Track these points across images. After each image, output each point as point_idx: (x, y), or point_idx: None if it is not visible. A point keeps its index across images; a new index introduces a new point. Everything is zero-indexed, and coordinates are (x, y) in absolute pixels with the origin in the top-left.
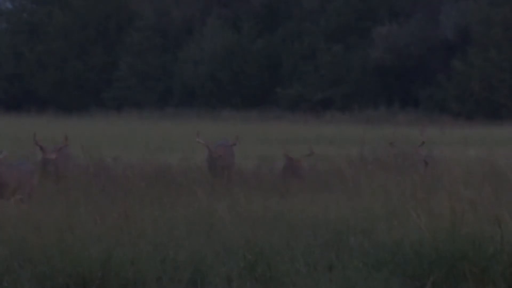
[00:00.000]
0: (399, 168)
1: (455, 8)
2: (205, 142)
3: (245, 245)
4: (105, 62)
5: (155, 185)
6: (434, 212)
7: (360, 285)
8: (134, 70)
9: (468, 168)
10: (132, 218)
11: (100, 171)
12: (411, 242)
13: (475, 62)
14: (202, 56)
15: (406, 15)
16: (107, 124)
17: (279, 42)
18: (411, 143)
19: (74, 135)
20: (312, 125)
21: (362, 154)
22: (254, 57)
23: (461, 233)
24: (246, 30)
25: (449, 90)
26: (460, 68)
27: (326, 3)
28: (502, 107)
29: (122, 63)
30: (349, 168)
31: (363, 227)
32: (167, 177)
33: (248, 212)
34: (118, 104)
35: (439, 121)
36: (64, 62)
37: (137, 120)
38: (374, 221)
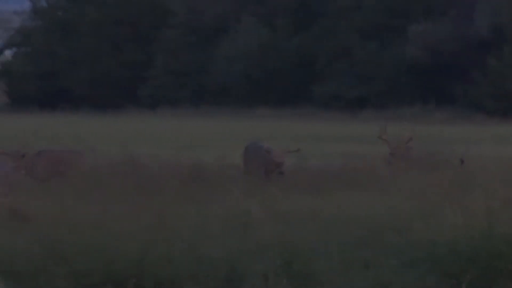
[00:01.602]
0: (434, 166)
1: (490, 6)
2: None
3: (281, 243)
4: (139, 59)
5: (190, 183)
6: (470, 211)
7: (395, 283)
8: (168, 68)
9: (504, 166)
10: (167, 216)
11: (135, 169)
12: (447, 241)
13: (510, 60)
14: (237, 54)
15: (441, 13)
16: (142, 122)
17: (313, 40)
18: (445, 142)
19: (109, 133)
20: (347, 123)
21: (397, 153)
22: (288, 55)
23: (497, 231)
24: (280, 28)
25: (484, 88)
26: (495, 65)
27: (361, 1)
28: None
29: (157, 60)
30: (384, 167)
31: (398, 225)
32: (202, 175)
33: (283, 210)
34: (152, 102)
35: (475, 119)
36: (98, 60)
37: (171, 118)
38: (409, 219)
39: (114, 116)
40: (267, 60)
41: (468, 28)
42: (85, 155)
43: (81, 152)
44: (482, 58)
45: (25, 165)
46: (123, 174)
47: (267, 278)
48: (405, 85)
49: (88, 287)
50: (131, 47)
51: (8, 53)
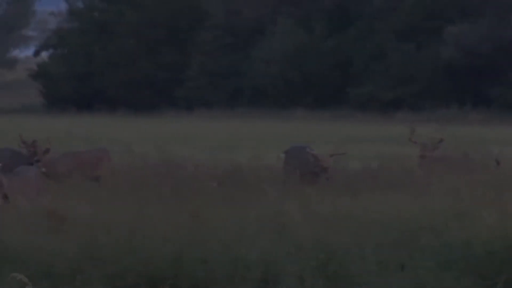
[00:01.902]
0: (470, 167)
1: None
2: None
3: (317, 245)
4: (176, 61)
5: (226, 185)
6: (505, 212)
7: (431, 284)
8: (205, 69)
9: None
10: (202, 217)
11: (171, 170)
12: (482, 242)
13: None
14: (273, 55)
15: (477, 14)
16: (178, 124)
17: (350, 41)
18: (481, 143)
19: (145, 135)
20: (383, 125)
21: (432, 154)
22: (324, 57)
23: None
24: (317, 30)
25: None
26: None
27: (397, 2)
28: None
29: (193, 62)
30: (419, 168)
31: (434, 226)
32: (237, 177)
33: (319, 211)
34: (189, 104)
35: (511, 120)
36: (134, 61)
37: (208, 120)
38: (445, 221)
39: (150, 117)
40: (303, 61)
41: (504, 29)
42: (109, 153)
43: (104, 151)
44: None
45: (46, 163)
46: (159, 175)
47: (302, 279)
48: (441, 86)
49: None
50: (168, 49)
51: (44, 55)
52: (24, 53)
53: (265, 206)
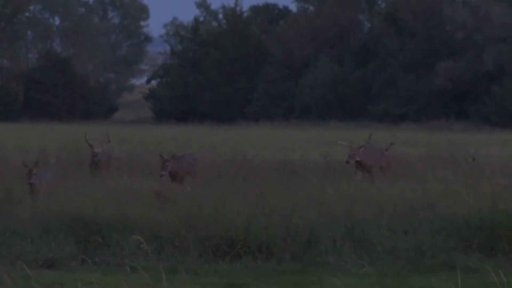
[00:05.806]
0: (454, 162)
1: (494, 48)
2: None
3: (346, 216)
4: (247, 87)
5: (282, 174)
6: (479, 193)
7: (427, 244)
8: (267, 92)
9: (504, 162)
10: (265, 197)
11: (243, 164)
12: (463, 215)
13: (508, 87)
14: (316, 83)
15: (460, 54)
16: (248, 131)
17: (369, 73)
18: (462, 145)
19: (225, 139)
20: (393, 132)
21: (428, 153)
22: (352, 84)
23: (499, 208)
24: (346, 64)
25: (490, 107)
26: (498, 91)
27: (403, 45)
28: None
29: (259, 87)
30: (419, 162)
31: (429, 204)
32: (290, 168)
33: (347, 193)
34: (256, 117)
35: (483, 128)
36: (217, 87)
37: (269, 128)
38: (437, 200)
39: (228, 127)
40: (337, 87)
41: (479, 64)
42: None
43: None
44: (489, 86)
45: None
46: (235, 167)
47: (335, 241)
48: (433, 104)
49: (209, 247)
50: (241, 78)
51: (153, 82)
52: (139, 81)
53: (309, 189)
